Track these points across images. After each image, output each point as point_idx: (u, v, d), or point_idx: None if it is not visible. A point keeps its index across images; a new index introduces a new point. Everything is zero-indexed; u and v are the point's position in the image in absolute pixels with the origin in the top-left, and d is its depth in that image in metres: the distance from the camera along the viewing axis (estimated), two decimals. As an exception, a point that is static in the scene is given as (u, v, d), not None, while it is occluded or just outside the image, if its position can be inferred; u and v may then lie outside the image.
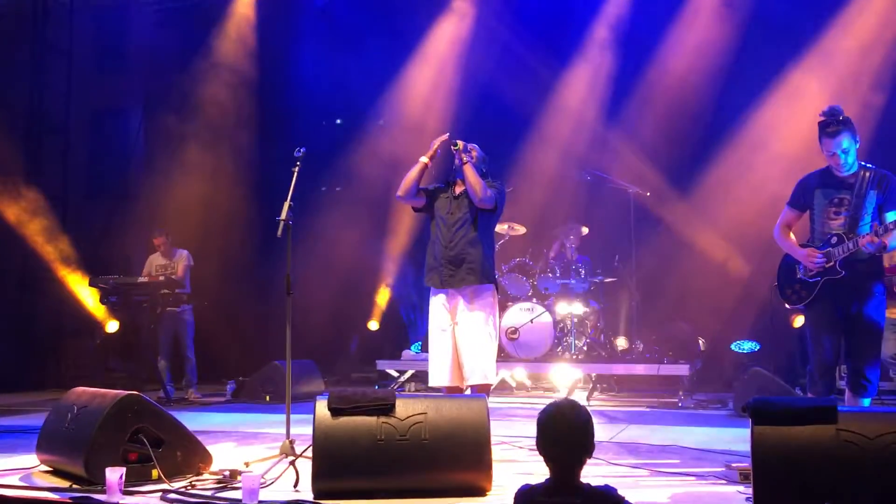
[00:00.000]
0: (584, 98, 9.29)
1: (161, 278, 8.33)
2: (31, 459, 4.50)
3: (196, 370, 8.65)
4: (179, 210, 9.93)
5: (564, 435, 2.69)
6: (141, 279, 8.44)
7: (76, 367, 10.09)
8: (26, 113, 11.05)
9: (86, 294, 9.55)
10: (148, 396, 4.19)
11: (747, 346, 8.61)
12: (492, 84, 9.28)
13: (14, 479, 4.14)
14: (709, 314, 8.66)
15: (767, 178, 7.73)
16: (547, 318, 8.14)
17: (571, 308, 8.43)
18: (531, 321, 8.15)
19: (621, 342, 8.51)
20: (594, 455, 2.71)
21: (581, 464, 2.65)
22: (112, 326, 9.21)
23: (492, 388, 5.03)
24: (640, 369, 7.94)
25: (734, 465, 4.02)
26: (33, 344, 10.41)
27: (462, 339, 4.91)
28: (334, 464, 3.63)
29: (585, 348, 8.39)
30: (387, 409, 3.73)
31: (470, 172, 4.94)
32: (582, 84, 9.35)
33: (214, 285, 9.58)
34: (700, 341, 8.59)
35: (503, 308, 8.26)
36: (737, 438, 5.20)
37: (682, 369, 7.72)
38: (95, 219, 11.77)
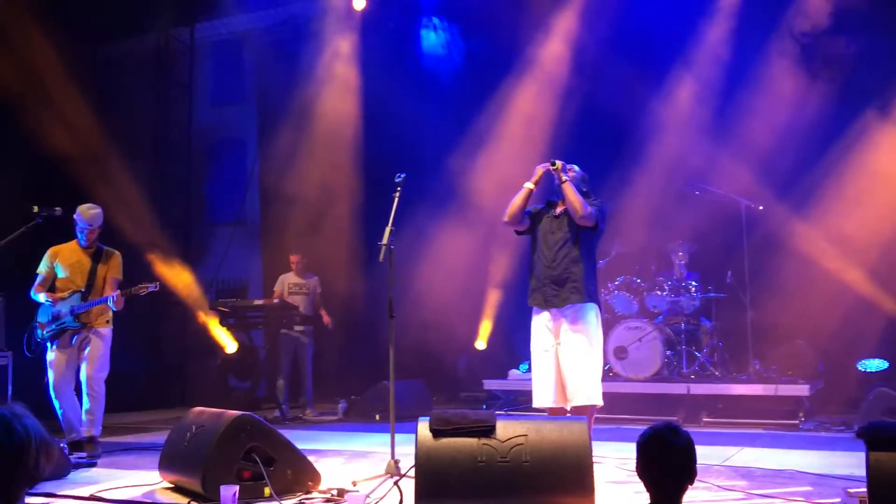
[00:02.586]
0: (690, 112, 9.06)
1: (298, 296, 8.73)
2: (154, 476, 4.77)
3: (312, 389, 8.96)
4: (291, 234, 10.30)
5: (665, 459, 2.64)
6: (258, 302, 8.82)
7: (199, 386, 10.59)
8: (151, 144, 11.77)
9: (207, 317, 10.03)
10: (263, 415, 4.38)
11: (874, 364, 8.13)
12: (596, 102, 9.19)
13: (138, 495, 4.40)
14: (830, 331, 8.22)
15: (891, 187, 7.32)
16: (656, 336, 7.97)
17: (682, 326, 8.21)
18: (639, 340, 7.99)
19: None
20: (703, 479, 2.65)
21: (683, 489, 2.60)
22: (231, 347, 9.62)
23: (596, 409, 4.95)
24: (756, 389, 7.62)
25: (853, 490, 3.81)
26: (161, 365, 11.01)
27: (565, 359, 4.88)
28: (436, 484, 3.67)
29: (698, 367, 8.14)
30: (487, 430, 3.75)
31: (569, 190, 4.93)
32: (688, 97, 9.13)
33: (326, 305, 9.87)
34: (819, 361, 8.17)
35: (610, 327, 8.15)
36: (861, 463, 4.91)
37: (803, 389, 7.37)
38: (215, 244, 12.38)
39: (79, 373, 6.14)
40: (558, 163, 5.02)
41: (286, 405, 8.76)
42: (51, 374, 6.06)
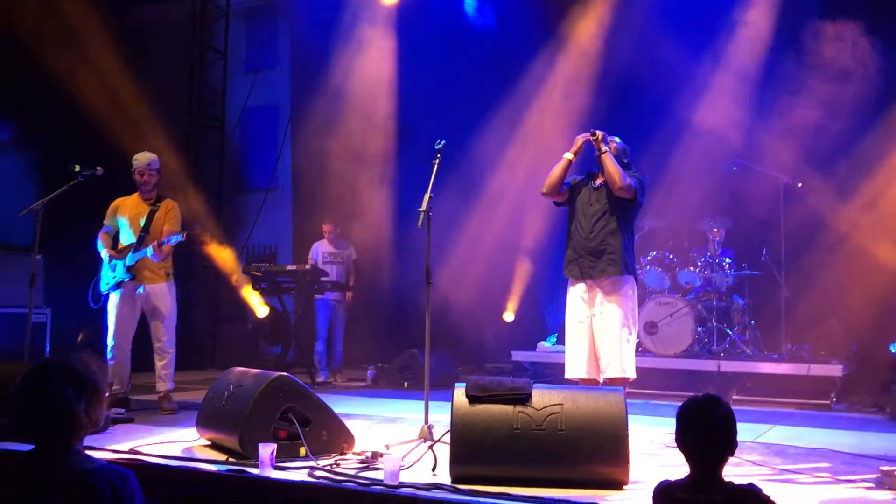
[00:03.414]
0: (731, 88, 8.91)
1: (333, 265, 8.81)
2: (191, 433, 4.85)
3: (342, 359, 9.08)
4: (323, 201, 10.34)
5: (706, 431, 2.63)
6: (290, 267, 8.89)
7: (230, 350, 10.72)
8: (186, 110, 11.83)
9: (239, 281, 10.12)
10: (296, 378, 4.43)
11: (908, 347, 8.02)
12: (634, 75, 9.07)
13: (176, 452, 4.48)
14: (865, 312, 8.10)
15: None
16: (688, 312, 7.92)
17: (714, 303, 8.15)
18: (671, 315, 7.95)
19: None
20: (737, 455, 2.64)
21: (723, 461, 2.59)
22: (262, 312, 9.71)
23: (629, 382, 4.94)
24: (788, 369, 7.57)
25: (888, 468, 3.79)
26: (193, 328, 11.16)
27: (600, 331, 4.88)
28: (471, 450, 3.70)
29: (728, 345, 8.10)
30: (523, 398, 3.77)
31: (609, 161, 4.89)
32: (729, 73, 8.97)
33: (360, 273, 9.93)
34: (853, 342, 8.08)
35: (641, 302, 8.12)
36: (894, 444, 4.90)
37: (835, 370, 7.31)
38: (247, 210, 12.47)
39: (149, 328, 6.24)
40: (599, 133, 4.98)
41: (326, 371, 8.88)
42: (109, 326, 6.17)
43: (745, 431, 5.41)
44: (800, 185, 8.07)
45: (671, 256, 8.57)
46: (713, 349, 8.11)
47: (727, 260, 8.31)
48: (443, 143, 4.97)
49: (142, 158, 6.25)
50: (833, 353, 7.87)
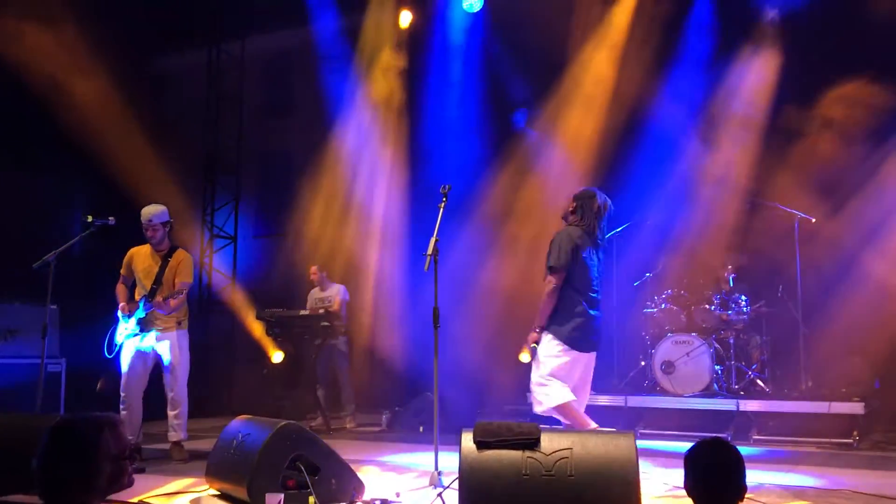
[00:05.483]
0: (741, 122, 8.92)
1: (321, 311, 8.72)
2: (201, 483, 4.82)
3: (353, 400, 8.99)
4: (336, 247, 10.39)
5: (714, 475, 2.59)
6: (303, 312, 8.88)
7: (245, 395, 10.70)
8: (203, 156, 11.98)
9: (254, 327, 10.15)
10: (308, 425, 4.40)
11: (932, 383, 7.86)
12: (645, 113, 9.11)
13: (185, 502, 4.45)
14: (886, 348, 7.98)
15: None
16: (705, 351, 7.83)
17: (731, 341, 8.05)
18: (687, 354, 7.86)
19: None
20: (755, 498, 2.59)
21: (732, 507, 2.53)
22: (277, 357, 9.69)
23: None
24: (809, 407, 7.41)
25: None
26: (209, 374, 11.16)
27: None
28: (480, 497, 3.64)
29: (747, 383, 7.97)
30: (531, 443, 3.71)
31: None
32: (739, 107, 8.99)
33: (371, 317, 9.92)
34: (875, 378, 7.93)
35: (658, 341, 8.07)
36: (919, 485, 4.78)
37: (857, 408, 7.15)
38: (262, 255, 12.54)
39: (162, 377, 6.26)
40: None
41: (327, 414, 8.80)
42: (123, 376, 6.18)
43: (765, 473, 5.33)
44: (814, 220, 7.99)
45: (686, 294, 8.49)
46: (732, 387, 7.99)
47: (742, 297, 8.23)
48: (448, 186, 5.00)
49: (145, 213, 6.24)
50: (855, 391, 7.71)
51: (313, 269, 9.16)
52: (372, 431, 8.54)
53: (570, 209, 5.39)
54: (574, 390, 5.22)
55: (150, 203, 6.37)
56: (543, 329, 5.25)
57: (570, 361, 5.19)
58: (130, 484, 2.25)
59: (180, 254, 6.37)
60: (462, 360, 8.86)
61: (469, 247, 9.12)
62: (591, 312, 5.27)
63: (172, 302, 6.04)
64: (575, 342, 5.19)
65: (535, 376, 5.30)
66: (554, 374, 5.17)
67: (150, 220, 6.21)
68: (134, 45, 10.14)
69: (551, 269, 5.17)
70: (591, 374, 5.42)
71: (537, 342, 5.26)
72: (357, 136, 10.54)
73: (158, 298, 6.03)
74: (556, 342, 5.19)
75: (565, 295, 5.20)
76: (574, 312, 5.19)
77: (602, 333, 5.47)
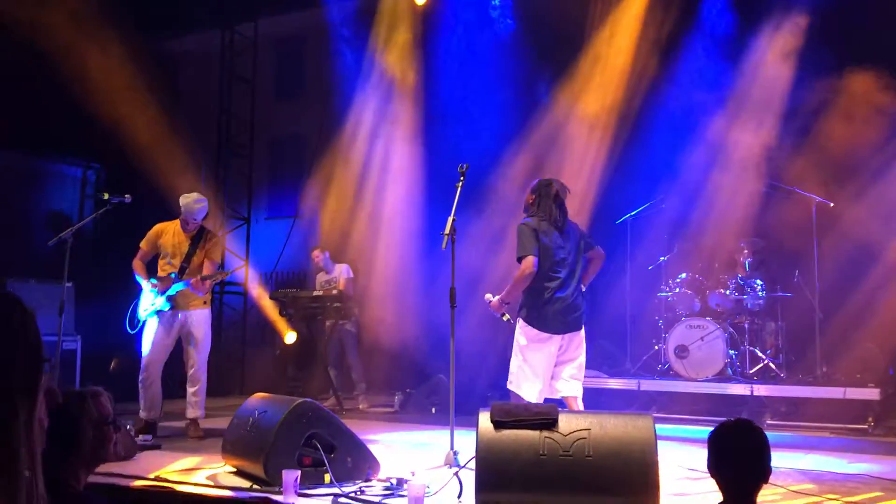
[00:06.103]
0: (761, 105, 8.83)
1: (334, 292, 8.73)
2: (217, 460, 4.83)
3: (363, 378, 8.99)
4: (349, 227, 10.37)
5: (739, 457, 2.56)
6: (316, 293, 8.88)
7: (258, 375, 10.73)
8: (215, 139, 11.98)
9: (267, 307, 10.16)
10: (321, 404, 4.40)
11: (948, 369, 7.80)
12: (663, 93, 9.02)
13: (201, 478, 4.46)
14: (901, 334, 7.93)
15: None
16: (719, 335, 7.79)
17: (746, 325, 8.01)
18: (702, 339, 7.82)
19: None
20: (772, 482, 2.56)
21: (757, 488, 2.51)
22: (290, 338, 9.71)
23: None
24: (823, 392, 7.37)
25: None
26: (222, 354, 11.19)
27: None
28: (497, 476, 3.63)
29: (762, 368, 7.94)
30: (549, 423, 3.70)
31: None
32: (758, 90, 8.89)
33: (385, 298, 9.90)
34: (890, 365, 7.87)
35: (672, 325, 8.03)
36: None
37: (872, 394, 7.10)
38: (274, 236, 12.55)
39: (184, 354, 6.27)
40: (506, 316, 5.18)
41: (339, 394, 8.83)
42: (144, 351, 6.20)
43: (781, 457, 5.30)
44: (832, 205, 7.91)
45: (701, 279, 8.44)
46: (746, 372, 7.95)
47: (758, 282, 8.17)
48: (466, 165, 4.97)
49: (191, 207, 6.24)
50: (870, 377, 7.66)
51: (314, 252, 9.13)
52: (384, 412, 8.55)
53: (530, 201, 5.32)
54: (557, 370, 5.17)
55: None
56: (505, 303, 5.22)
57: (543, 346, 5.11)
58: (118, 455, 2.24)
59: (214, 236, 6.43)
60: (473, 342, 8.85)
61: (484, 229, 9.08)
62: (559, 294, 5.16)
63: (208, 283, 6.09)
64: (545, 324, 5.11)
65: (513, 360, 5.26)
66: (527, 361, 5.12)
67: (195, 217, 6.24)
68: (148, 27, 10.11)
69: (520, 260, 5.12)
70: (581, 353, 5.24)
71: (502, 312, 5.20)
72: (371, 116, 10.47)
73: (197, 279, 6.05)
74: (528, 327, 5.15)
75: (534, 280, 5.17)
76: (543, 298, 5.13)
77: (582, 310, 5.30)
